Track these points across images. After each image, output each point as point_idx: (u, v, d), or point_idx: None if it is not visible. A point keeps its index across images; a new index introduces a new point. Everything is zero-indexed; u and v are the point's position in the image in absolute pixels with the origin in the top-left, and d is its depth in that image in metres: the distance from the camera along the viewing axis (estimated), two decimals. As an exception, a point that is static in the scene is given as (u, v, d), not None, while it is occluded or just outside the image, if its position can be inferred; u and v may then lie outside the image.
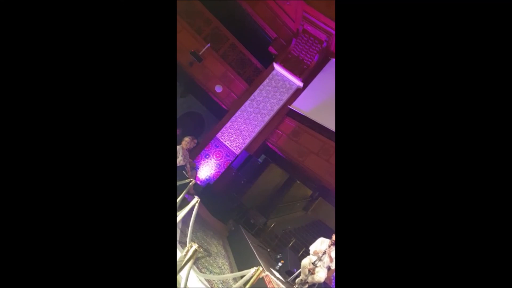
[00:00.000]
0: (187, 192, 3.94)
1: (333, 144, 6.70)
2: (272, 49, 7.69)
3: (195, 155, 6.83)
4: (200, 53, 6.95)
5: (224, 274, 3.51)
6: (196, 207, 3.17)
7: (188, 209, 3.21)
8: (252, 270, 1.88)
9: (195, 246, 1.76)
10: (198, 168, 6.81)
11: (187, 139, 4.87)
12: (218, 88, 7.27)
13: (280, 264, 4.89)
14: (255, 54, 7.61)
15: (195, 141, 5.19)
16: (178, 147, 4.89)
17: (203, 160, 6.99)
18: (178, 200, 3.72)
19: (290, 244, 6.23)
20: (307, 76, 7.34)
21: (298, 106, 7.21)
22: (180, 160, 4.74)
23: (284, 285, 4.00)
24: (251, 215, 6.64)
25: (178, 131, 6.44)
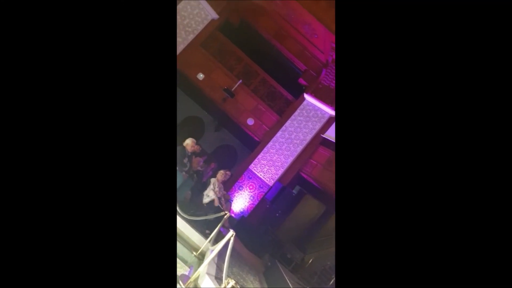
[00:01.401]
0: (222, 226, 3.92)
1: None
2: (302, 81, 7.84)
3: (228, 187, 6.88)
4: (232, 89, 7.30)
5: (261, 314, 3.29)
6: (231, 241, 3.11)
7: (223, 243, 3.16)
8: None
9: (232, 282, 1.70)
10: (232, 201, 6.81)
11: (221, 171, 4.96)
12: (250, 121, 7.46)
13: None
14: (286, 86, 7.80)
15: (229, 173, 5.26)
16: (213, 179, 4.98)
17: (237, 192, 7.00)
18: (213, 234, 3.70)
19: (331, 282, 5.78)
20: (339, 104, 7.27)
21: (332, 134, 7.10)
22: (215, 192, 4.79)
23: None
24: (287, 249, 6.36)
25: (213, 165, 6.60)
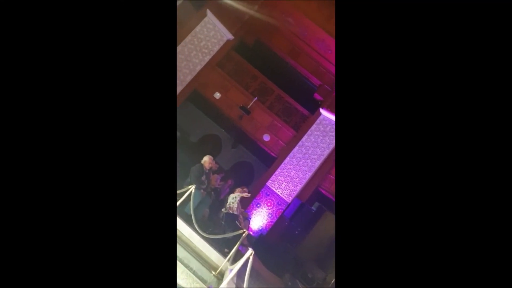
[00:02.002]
0: (241, 244, 3.86)
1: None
2: (317, 96, 7.84)
3: (246, 204, 6.83)
4: (248, 107, 7.40)
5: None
6: (250, 260, 3.05)
7: (242, 262, 3.10)
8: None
9: (252, 304, 1.65)
10: (250, 218, 6.73)
11: (239, 189, 4.95)
12: (266, 137, 7.48)
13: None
14: (301, 102, 7.82)
15: (246, 190, 5.24)
16: (230, 196, 4.97)
17: (255, 210, 6.92)
18: (231, 252, 3.65)
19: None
20: (356, 118, 7.17)
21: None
22: (234, 209, 4.77)
23: None
24: (308, 268, 6.14)
25: (230, 182, 6.60)
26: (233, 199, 4.75)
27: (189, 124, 9.06)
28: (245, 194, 4.88)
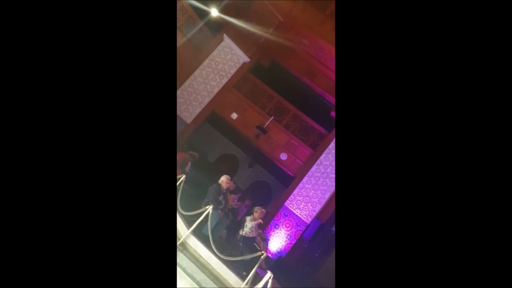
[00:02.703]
0: (259, 267, 3.74)
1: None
2: (334, 114, 7.79)
3: (264, 225, 6.69)
4: (264, 126, 7.45)
5: None
6: (269, 284, 2.94)
7: (261, 286, 2.99)
8: None
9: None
10: (268, 240, 6.57)
11: (256, 209, 4.88)
12: (283, 156, 7.44)
13: None
14: (318, 120, 7.79)
15: (264, 211, 5.15)
16: (248, 218, 4.90)
17: (273, 231, 6.76)
18: (250, 275, 3.54)
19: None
20: (375, 135, 7.02)
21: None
22: (251, 231, 4.68)
23: None
24: (330, 295, 5.81)
25: (247, 202, 6.54)
26: (249, 229, 4.68)
27: (206, 144, 9.20)
28: (259, 221, 4.81)
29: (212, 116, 7.84)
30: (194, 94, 7.47)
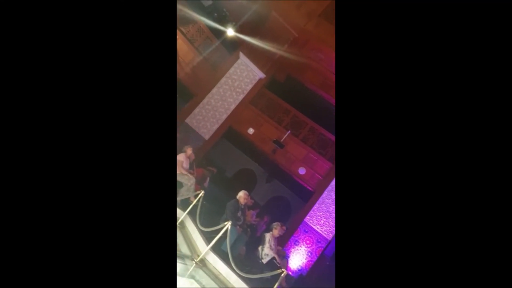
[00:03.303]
0: (280, 285, 3.62)
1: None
2: (352, 127, 7.65)
3: (284, 242, 6.53)
4: (281, 140, 7.43)
5: None
6: (291, 304, 2.82)
7: (282, 306, 2.87)
8: None
9: None
10: (288, 257, 6.38)
11: (275, 225, 4.78)
12: (302, 170, 7.33)
13: None
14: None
15: (284, 227, 5.04)
16: (267, 235, 4.81)
17: (293, 248, 6.58)
18: (270, 294, 3.42)
19: None
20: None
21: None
22: (270, 248, 4.57)
23: None
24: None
25: (266, 218, 6.44)
26: (269, 246, 4.57)
27: (224, 160, 9.27)
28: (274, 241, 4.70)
29: (230, 132, 7.94)
30: (212, 111, 7.62)
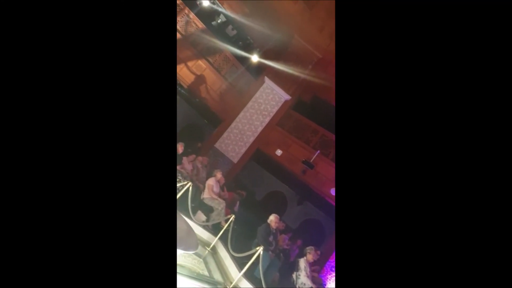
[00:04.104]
0: (317, 316, 3.39)
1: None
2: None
3: (319, 268, 6.19)
4: (311, 160, 7.29)
5: None
6: (331, 338, 2.61)
7: None
8: None
9: None
10: (325, 285, 6.01)
11: (309, 250, 4.58)
12: (333, 191, 7.07)
13: None
14: (367, 151, 7.40)
15: (318, 252, 4.81)
16: (302, 260, 4.60)
17: (329, 274, 6.20)
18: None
19: None
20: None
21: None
22: (306, 278, 4.36)
23: None
24: None
25: (299, 242, 6.20)
26: (303, 282, 4.36)
27: (253, 183, 9.26)
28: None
29: (257, 154, 7.97)
30: (240, 135, 7.76)
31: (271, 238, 4.66)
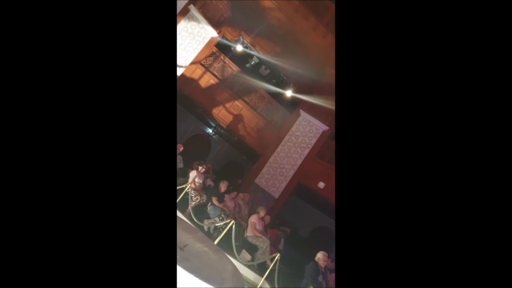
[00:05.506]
0: None
1: None
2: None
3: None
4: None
5: None
6: None
7: None
8: None
9: None
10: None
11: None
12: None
13: None
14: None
15: None
16: None
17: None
18: None
19: None
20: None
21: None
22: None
23: None
24: None
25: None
26: None
27: (297, 218, 8.93)
28: None
29: (299, 188, 7.79)
30: (279, 169, 7.73)
31: (320, 278, 4.34)
